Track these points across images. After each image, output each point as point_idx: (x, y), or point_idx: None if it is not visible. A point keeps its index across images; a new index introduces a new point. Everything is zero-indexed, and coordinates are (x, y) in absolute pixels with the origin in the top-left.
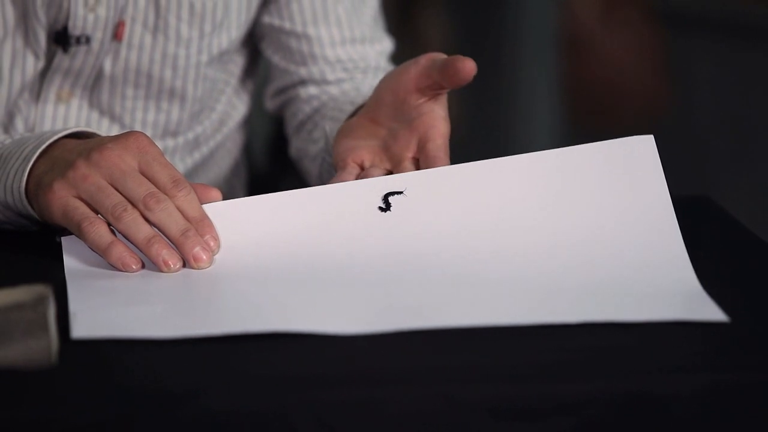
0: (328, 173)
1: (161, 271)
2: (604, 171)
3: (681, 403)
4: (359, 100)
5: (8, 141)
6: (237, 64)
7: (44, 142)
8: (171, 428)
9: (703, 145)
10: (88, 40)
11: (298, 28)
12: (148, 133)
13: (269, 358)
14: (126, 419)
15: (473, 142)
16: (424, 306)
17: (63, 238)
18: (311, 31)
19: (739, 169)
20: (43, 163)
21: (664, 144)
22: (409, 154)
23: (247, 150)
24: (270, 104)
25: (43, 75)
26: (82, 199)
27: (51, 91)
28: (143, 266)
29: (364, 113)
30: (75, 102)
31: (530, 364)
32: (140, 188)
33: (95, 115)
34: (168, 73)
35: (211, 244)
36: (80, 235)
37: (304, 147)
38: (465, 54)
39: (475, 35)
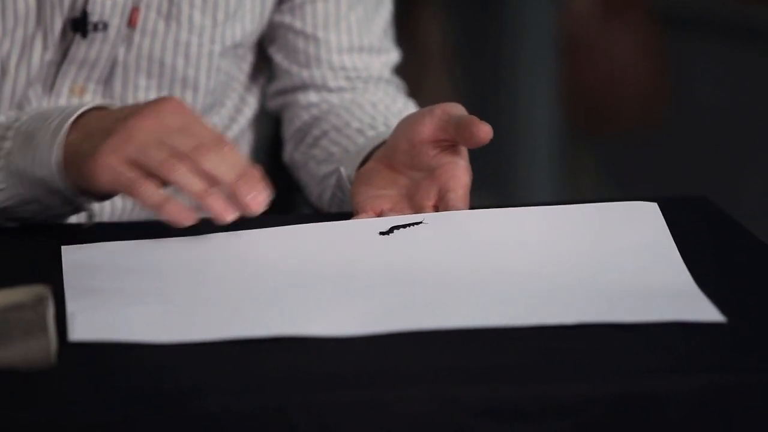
0: (339, 207)
1: (218, 222)
2: (610, 226)
3: (678, 403)
4: (366, 125)
5: (25, 117)
6: (248, 61)
7: (72, 114)
8: (171, 428)
9: (703, 145)
10: (105, 26)
11: (308, 30)
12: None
13: (269, 358)
14: (126, 419)
15: None
16: (423, 307)
17: (63, 247)
18: (321, 34)
19: (738, 169)
20: (75, 134)
21: (664, 144)
22: (430, 203)
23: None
24: (270, 104)
25: (58, 68)
26: (128, 163)
27: (65, 85)
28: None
29: (380, 159)
30: (88, 96)
31: (528, 365)
32: (187, 140)
33: None
34: (180, 62)
35: (264, 193)
36: (133, 196)
37: (302, 161)
38: (465, 54)
39: (475, 36)
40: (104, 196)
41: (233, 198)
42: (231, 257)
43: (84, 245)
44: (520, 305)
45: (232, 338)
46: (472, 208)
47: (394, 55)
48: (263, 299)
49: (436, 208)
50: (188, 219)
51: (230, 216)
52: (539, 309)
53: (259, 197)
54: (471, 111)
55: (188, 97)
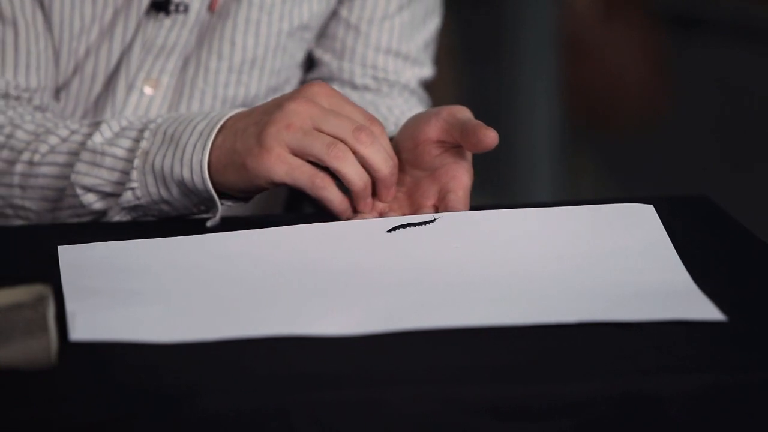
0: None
1: (362, 214)
2: (607, 227)
3: (680, 402)
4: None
5: (160, 120)
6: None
7: (221, 118)
8: (171, 428)
9: (703, 145)
10: (186, 8)
11: (353, 20)
12: (226, 108)
13: (269, 358)
14: (126, 419)
15: None
16: (423, 306)
17: (59, 247)
18: (363, 27)
19: (738, 169)
20: (222, 137)
21: (664, 144)
22: (429, 202)
23: None
24: None
25: (134, 56)
26: (291, 152)
27: (139, 78)
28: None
29: None
30: (160, 92)
31: (529, 364)
32: (345, 123)
33: (177, 97)
34: (250, 41)
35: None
36: (316, 191)
37: None
38: (465, 54)
39: (475, 35)
40: (258, 190)
41: (380, 185)
42: (232, 256)
43: (81, 245)
44: (520, 305)
45: (232, 338)
46: (471, 206)
47: (427, 71)
48: (263, 299)
49: (436, 208)
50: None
51: (370, 216)
52: (539, 308)
53: (395, 190)
54: (471, 110)
55: (255, 76)
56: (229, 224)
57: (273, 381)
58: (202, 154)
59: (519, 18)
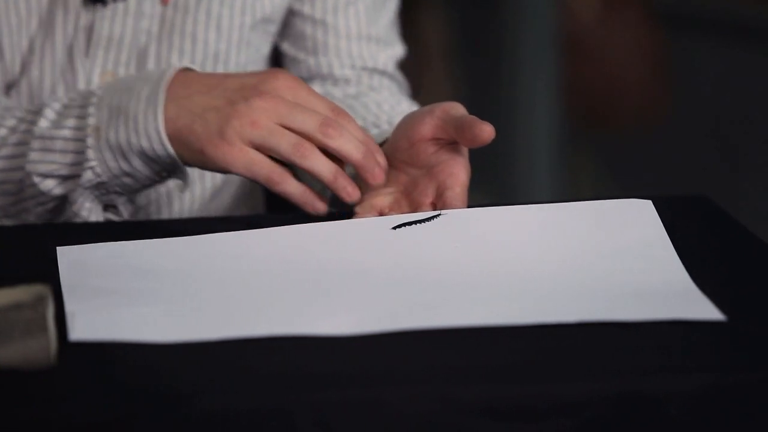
0: (341, 204)
1: (345, 202)
2: (606, 224)
3: (679, 402)
4: (370, 123)
5: (100, 92)
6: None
7: (160, 81)
8: (171, 428)
9: (702, 145)
10: None
11: (317, 15)
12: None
13: (269, 358)
14: (126, 419)
15: None
16: (422, 306)
17: (58, 248)
18: (329, 18)
19: (738, 169)
20: (174, 107)
21: (664, 143)
22: (428, 200)
23: None
24: None
25: (85, 54)
26: (257, 148)
27: (94, 73)
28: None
29: None
30: None
31: (529, 364)
32: (312, 118)
33: None
34: (212, 35)
35: (381, 162)
36: (272, 186)
37: None
38: (465, 54)
39: (475, 36)
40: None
41: (359, 171)
42: (231, 256)
43: (79, 246)
44: (519, 304)
45: (232, 338)
46: (471, 206)
47: (398, 49)
48: (263, 299)
49: (434, 206)
50: (323, 208)
51: (356, 196)
52: (539, 308)
53: (380, 171)
54: (471, 110)
55: (219, 71)
56: (228, 224)
57: (273, 381)
58: (156, 121)
59: (519, 18)
